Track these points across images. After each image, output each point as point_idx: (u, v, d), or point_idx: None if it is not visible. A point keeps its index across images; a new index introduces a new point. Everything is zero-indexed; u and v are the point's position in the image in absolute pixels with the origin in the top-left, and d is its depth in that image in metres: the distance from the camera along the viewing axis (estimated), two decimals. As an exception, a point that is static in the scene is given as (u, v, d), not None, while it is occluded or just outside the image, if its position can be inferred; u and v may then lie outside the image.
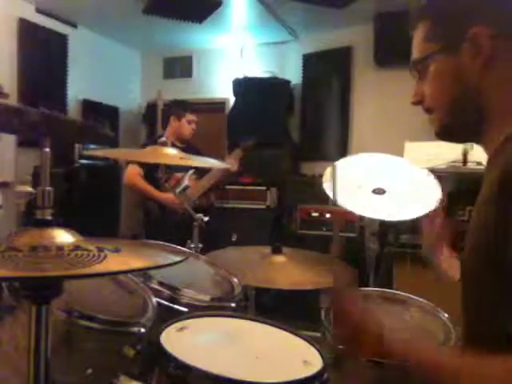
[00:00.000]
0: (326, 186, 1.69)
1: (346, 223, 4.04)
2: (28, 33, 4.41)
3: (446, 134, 0.97)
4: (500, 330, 0.77)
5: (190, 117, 3.48)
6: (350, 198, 1.65)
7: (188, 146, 3.29)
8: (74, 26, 4.95)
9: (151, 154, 1.74)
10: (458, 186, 2.74)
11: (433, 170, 1.91)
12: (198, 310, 1.39)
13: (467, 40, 0.86)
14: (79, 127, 0.98)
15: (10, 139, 4.11)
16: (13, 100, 3.95)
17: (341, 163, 1.83)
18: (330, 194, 1.66)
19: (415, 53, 0.98)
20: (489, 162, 0.90)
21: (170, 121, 3.48)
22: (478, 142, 0.95)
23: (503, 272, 0.75)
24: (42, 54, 4.53)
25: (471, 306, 0.87)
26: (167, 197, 3.22)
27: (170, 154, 1.66)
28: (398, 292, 1.64)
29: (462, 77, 0.88)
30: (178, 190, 3.27)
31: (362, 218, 4.05)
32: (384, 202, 1.67)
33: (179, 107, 3.54)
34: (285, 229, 4.44)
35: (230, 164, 3.30)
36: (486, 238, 0.79)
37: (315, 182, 4.12)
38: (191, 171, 3.21)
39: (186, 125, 3.46)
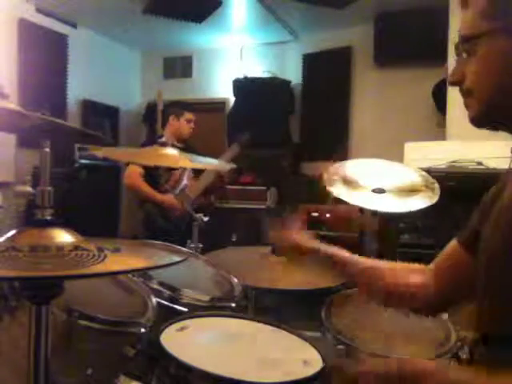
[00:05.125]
0: (328, 186, 1.69)
1: (345, 222, 4.05)
2: (28, 33, 4.41)
3: (483, 119, 0.90)
4: None
5: (189, 116, 3.49)
6: (350, 195, 1.66)
7: (186, 146, 3.30)
8: (73, 26, 4.95)
9: (151, 155, 1.74)
10: (457, 186, 2.74)
11: (433, 170, 1.91)
12: (198, 310, 1.39)
13: None
14: (78, 133, 0.98)
15: (10, 139, 4.11)
16: (13, 100, 3.95)
17: (340, 165, 1.83)
18: (333, 192, 1.67)
19: (465, 29, 0.89)
20: None
21: (169, 120, 3.49)
22: None
23: None
24: (42, 54, 4.53)
25: (499, 294, 0.85)
26: (167, 199, 3.22)
27: (170, 155, 1.66)
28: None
29: None
30: (177, 191, 3.29)
31: (361, 216, 4.06)
32: (383, 199, 1.68)
33: (178, 107, 3.56)
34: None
35: (230, 153, 3.33)
36: None
37: (315, 181, 4.12)
38: (190, 169, 3.22)
39: (185, 124, 3.47)
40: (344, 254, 1.23)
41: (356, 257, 1.22)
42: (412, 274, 1.13)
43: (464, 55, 0.89)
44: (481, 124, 0.92)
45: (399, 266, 1.18)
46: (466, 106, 0.92)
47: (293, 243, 1.30)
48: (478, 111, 0.90)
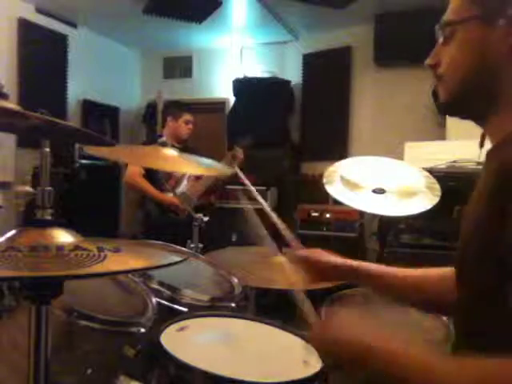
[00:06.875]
0: (328, 186, 1.69)
1: (345, 223, 4.06)
2: (28, 33, 4.41)
3: (450, 105, 0.91)
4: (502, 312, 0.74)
5: (187, 117, 3.48)
6: (350, 197, 1.65)
7: (185, 147, 3.30)
8: (73, 26, 4.94)
9: (151, 156, 1.73)
10: (457, 186, 2.74)
11: (433, 170, 1.90)
12: (198, 310, 1.39)
13: (506, 17, 0.81)
14: (78, 133, 0.98)
15: (10, 139, 4.11)
16: (12, 100, 3.95)
17: (340, 164, 1.83)
18: (332, 193, 1.66)
19: (450, 14, 0.90)
20: (491, 152, 0.85)
21: (167, 121, 3.49)
22: (481, 125, 0.90)
23: (501, 259, 0.71)
24: (42, 54, 4.53)
25: (469, 297, 0.84)
26: (167, 198, 3.22)
27: (171, 157, 1.65)
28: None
29: (486, 52, 0.83)
30: (177, 190, 3.29)
31: (362, 216, 4.07)
32: (384, 200, 1.68)
33: (176, 108, 3.55)
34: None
35: (232, 158, 3.33)
36: (484, 230, 0.77)
37: (315, 181, 4.13)
38: (190, 171, 3.21)
39: (183, 125, 3.47)
40: (369, 266, 1.15)
41: (381, 268, 1.14)
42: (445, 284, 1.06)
43: (441, 40, 0.90)
44: (447, 111, 0.93)
45: (431, 274, 1.10)
46: (438, 90, 0.92)
47: (308, 260, 1.21)
48: (445, 99, 0.90)
